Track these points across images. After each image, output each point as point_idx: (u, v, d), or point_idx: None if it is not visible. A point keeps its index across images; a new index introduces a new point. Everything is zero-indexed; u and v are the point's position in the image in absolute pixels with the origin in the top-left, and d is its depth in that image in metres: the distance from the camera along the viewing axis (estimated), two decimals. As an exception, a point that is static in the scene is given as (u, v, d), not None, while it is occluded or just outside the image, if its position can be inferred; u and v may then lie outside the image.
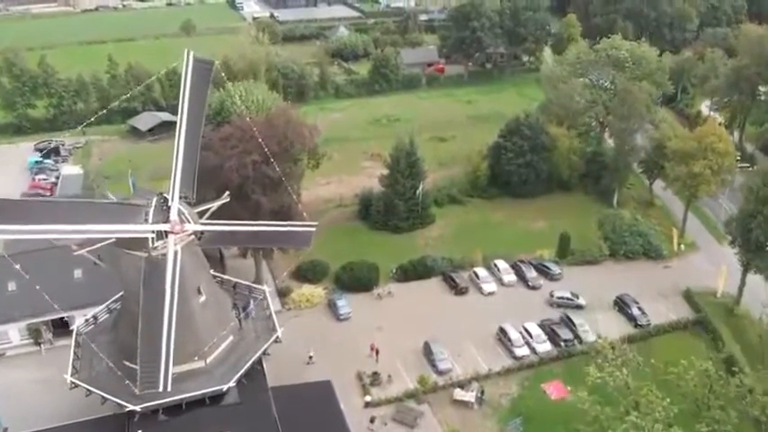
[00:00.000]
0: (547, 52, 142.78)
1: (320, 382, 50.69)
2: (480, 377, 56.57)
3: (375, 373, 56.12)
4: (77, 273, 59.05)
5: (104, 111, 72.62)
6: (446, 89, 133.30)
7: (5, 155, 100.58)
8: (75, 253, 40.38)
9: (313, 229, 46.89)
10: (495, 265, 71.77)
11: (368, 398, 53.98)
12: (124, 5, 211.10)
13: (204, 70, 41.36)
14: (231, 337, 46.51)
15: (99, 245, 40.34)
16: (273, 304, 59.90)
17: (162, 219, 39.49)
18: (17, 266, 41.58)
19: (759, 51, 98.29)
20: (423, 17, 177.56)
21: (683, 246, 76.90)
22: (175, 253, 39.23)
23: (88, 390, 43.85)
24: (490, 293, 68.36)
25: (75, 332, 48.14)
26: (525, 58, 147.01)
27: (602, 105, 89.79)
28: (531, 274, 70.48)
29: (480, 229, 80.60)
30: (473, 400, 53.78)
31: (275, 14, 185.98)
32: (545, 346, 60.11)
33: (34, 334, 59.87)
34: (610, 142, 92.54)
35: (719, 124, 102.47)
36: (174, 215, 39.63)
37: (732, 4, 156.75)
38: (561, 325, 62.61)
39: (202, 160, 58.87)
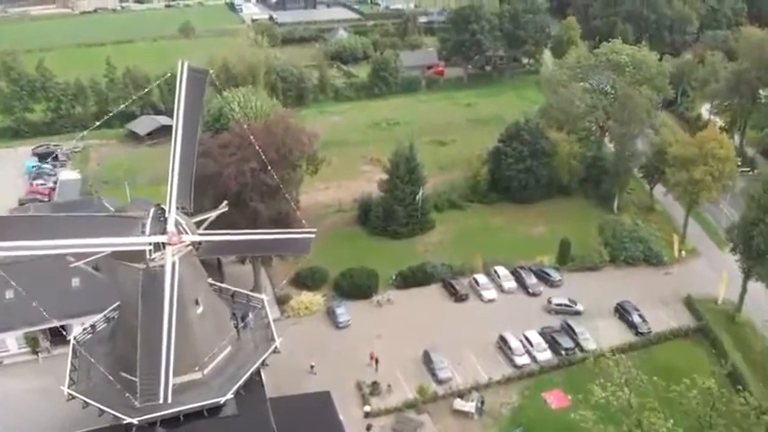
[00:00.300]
0: (546, 55, 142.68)
1: (319, 392, 50.25)
2: (480, 386, 56.16)
3: (374, 383, 55.70)
4: (75, 281, 58.76)
5: (105, 118, 71.92)
6: (446, 92, 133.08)
7: (3, 159, 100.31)
8: (72, 265, 40.09)
9: (312, 235, 46.54)
10: (495, 272, 71.42)
11: (367, 408, 53.58)
12: (123, 7, 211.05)
13: (199, 80, 40.94)
14: (229, 348, 46.09)
15: (96, 257, 40.05)
16: (272, 312, 59.63)
17: (159, 230, 39.09)
18: (13, 283, 40.89)
19: (759, 55, 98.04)
20: (422, 19, 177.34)
21: (683, 252, 76.53)
22: (173, 264, 38.87)
23: (85, 402, 43.43)
24: (490, 300, 68.02)
25: (72, 342, 47.63)
26: (525, 61, 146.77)
27: (602, 110, 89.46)
28: (532, 280, 70.15)
29: (480, 234, 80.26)
30: (473, 410, 53.36)
31: (274, 16, 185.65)
32: (545, 355, 59.73)
33: (32, 342, 59.52)
34: (610, 147, 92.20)
35: (720, 128, 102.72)
36: (171, 226, 39.23)
37: (732, 7, 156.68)
38: (562, 333, 62.23)
39: (201, 167, 58.72)
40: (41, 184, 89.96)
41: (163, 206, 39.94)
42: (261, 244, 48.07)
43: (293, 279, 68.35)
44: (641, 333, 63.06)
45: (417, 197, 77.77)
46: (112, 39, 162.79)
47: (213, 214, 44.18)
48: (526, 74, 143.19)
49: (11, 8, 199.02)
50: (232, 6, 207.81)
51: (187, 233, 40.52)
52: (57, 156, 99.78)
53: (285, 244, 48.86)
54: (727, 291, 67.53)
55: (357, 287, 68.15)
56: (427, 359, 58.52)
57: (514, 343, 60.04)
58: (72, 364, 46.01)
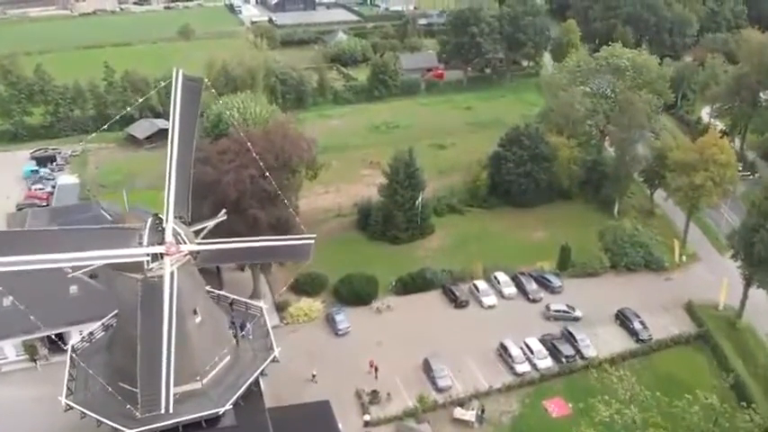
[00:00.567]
0: (546, 57, 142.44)
1: (318, 402, 49.98)
2: (480, 394, 55.83)
3: (374, 391, 55.35)
4: (73, 288, 58.47)
5: (107, 124, 71.64)
6: (445, 95, 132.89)
7: (1, 163, 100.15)
8: (70, 275, 39.81)
9: (311, 241, 46.08)
10: (496, 278, 71.16)
11: (367, 417, 53.28)
12: (122, 9, 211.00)
13: (194, 87, 40.62)
14: (228, 357, 45.78)
15: (93, 266, 39.74)
16: (271, 318, 59.49)
17: (157, 240, 38.81)
18: (11, 297, 40.63)
19: (760, 59, 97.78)
20: (422, 21, 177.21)
21: (684, 257, 76.28)
22: (172, 274, 38.59)
23: (83, 412, 43.12)
24: (490, 307, 67.70)
25: (69, 352, 47.31)
26: (525, 64, 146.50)
27: (602, 114, 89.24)
28: (532, 286, 69.85)
29: (480, 239, 79.99)
30: (473, 419, 53.06)
31: (273, 18, 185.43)
32: (546, 362, 59.42)
33: (30, 350, 59.19)
34: (610, 151, 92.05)
35: (720, 131, 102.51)
36: (168, 236, 38.94)
37: (732, 9, 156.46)
38: (562, 340, 61.94)
39: (200, 174, 58.58)
40: (40, 189, 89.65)
41: (161, 215, 39.70)
42: (260, 251, 47.61)
43: (292, 285, 68.01)
44: (642, 340, 62.77)
45: (417, 202, 77.50)
46: (111, 41, 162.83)
47: (211, 223, 43.86)
48: (526, 77, 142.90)
49: (10, 9, 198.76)
50: (231, 8, 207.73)
51: (185, 243, 40.22)
52: (55, 159, 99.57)
53: (285, 250, 48.42)
54: (727, 296, 67.28)
55: (356, 293, 67.83)
56: (427, 367, 58.21)
57: (515, 350, 59.75)
58: (70, 373, 45.73)
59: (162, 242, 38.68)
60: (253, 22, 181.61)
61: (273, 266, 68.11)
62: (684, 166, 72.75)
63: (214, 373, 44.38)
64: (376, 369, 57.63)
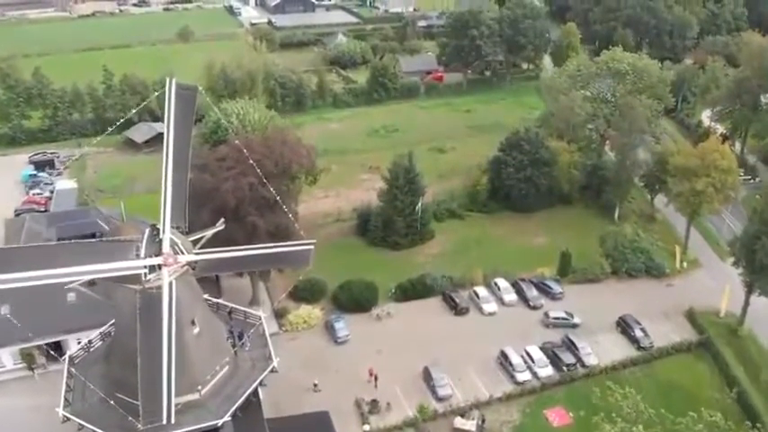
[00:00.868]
0: (546, 60, 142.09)
1: (317, 412, 49.75)
2: (481, 404, 55.50)
3: (374, 401, 54.95)
4: (71, 296, 57.91)
5: (109, 131, 71.16)
6: (445, 98, 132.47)
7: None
8: (67, 287, 39.41)
9: (311, 247, 45.65)
10: (496, 284, 70.81)
11: (366, 427, 52.91)
12: (121, 11, 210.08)
13: (188, 96, 40.18)
14: (226, 368, 45.40)
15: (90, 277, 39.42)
16: (270, 326, 59.19)
17: (154, 251, 38.47)
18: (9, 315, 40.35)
19: (760, 62, 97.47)
20: (421, 23, 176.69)
21: (685, 263, 75.96)
22: (170, 285, 38.25)
23: (81, 424, 42.75)
24: (491, 314, 67.38)
25: (67, 362, 46.94)
26: (525, 66, 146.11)
27: (603, 118, 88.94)
28: (532, 293, 69.52)
29: (480, 244, 79.68)
30: (474, 428, 52.71)
31: (273, 20, 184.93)
32: (547, 371, 59.11)
33: (27, 358, 58.78)
34: (611, 155, 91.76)
35: (720, 135, 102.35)
36: (166, 247, 38.59)
37: (732, 12, 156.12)
38: (563, 348, 61.63)
39: (199, 182, 58.31)
40: (38, 194, 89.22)
41: (158, 226, 39.34)
42: (259, 258, 47.05)
43: (291, 292, 67.44)
44: (643, 348, 62.48)
45: (417, 208, 77.14)
46: (110, 43, 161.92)
47: (209, 232, 43.42)
48: (526, 79, 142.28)
49: (8, 11, 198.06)
50: (231, 10, 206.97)
51: (183, 253, 39.88)
52: (53, 164, 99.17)
53: (284, 257, 47.73)
54: (728, 303, 66.93)
55: (356, 300, 67.50)
56: (427, 376, 57.87)
57: (515, 359, 59.41)
58: (67, 384, 45.37)
59: (159, 253, 38.39)
60: (252, 24, 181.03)
61: (273, 273, 67.67)
62: (686, 171, 72.48)
63: (212, 383, 43.96)
64: (376, 378, 57.27)
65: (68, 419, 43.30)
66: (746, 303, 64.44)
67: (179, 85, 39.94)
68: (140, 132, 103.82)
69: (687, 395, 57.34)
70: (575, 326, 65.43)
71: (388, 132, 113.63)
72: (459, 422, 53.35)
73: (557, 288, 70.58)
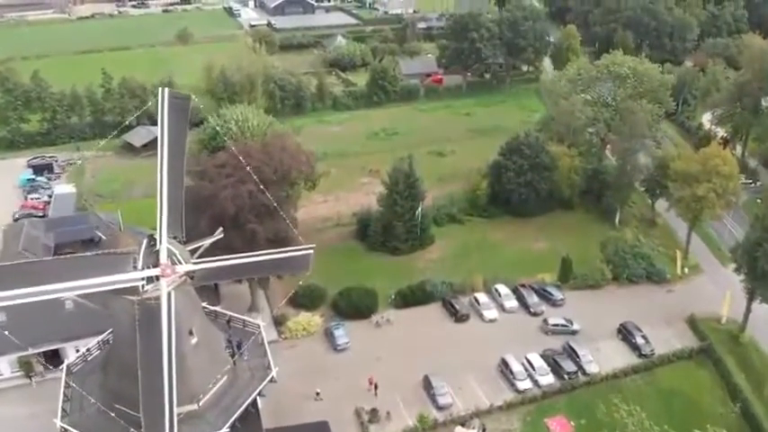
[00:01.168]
0: (546, 62, 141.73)
1: (317, 423, 49.39)
2: (481, 413, 55.08)
3: (374, 410, 54.51)
4: (69, 304, 57.59)
5: (111, 135, 70.75)
6: (445, 101, 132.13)
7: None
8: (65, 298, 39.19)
9: (310, 252, 45.33)
10: (496, 290, 70.47)
11: (366, 436, 52.65)
12: (120, 12, 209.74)
13: (181, 106, 39.88)
14: (225, 377, 45.07)
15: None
16: (269, 333, 58.90)
17: (152, 262, 38.15)
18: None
19: (761, 66, 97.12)
20: (421, 25, 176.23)
21: (686, 268, 75.60)
22: (169, 295, 37.92)
23: (78, 435, 42.45)
24: (491, 320, 67.02)
25: (64, 372, 46.61)
26: (525, 68, 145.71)
27: (603, 123, 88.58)
28: (533, 299, 69.13)
29: (480, 250, 79.32)
30: (474, 438, 52.47)
31: (272, 22, 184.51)
32: (548, 379, 58.74)
33: (25, 366, 58.42)
34: (611, 159, 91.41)
35: (721, 137, 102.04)
36: (163, 258, 38.27)
37: (732, 14, 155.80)
38: (564, 356, 61.22)
39: (198, 189, 57.99)
40: (36, 198, 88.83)
41: (155, 236, 39.00)
42: (259, 265, 46.74)
43: (291, 298, 66.68)
44: (644, 355, 62.11)
45: (417, 213, 76.75)
46: (109, 45, 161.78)
47: (207, 242, 43.09)
48: (526, 81, 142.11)
49: (8, 13, 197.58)
50: (230, 11, 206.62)
51: (181, 263, 39.56)
52: (52, 167, 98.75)
53: (283, 263, 47.24)
54: (730, 309, 66.58)
55: (355, 307, 67.13)
56: (427, 384, 57.47)
57: (516, 367, 59.02)
58: (65, 394, 45.05)
59: (157, 264, 38.05)
60: (252, 26, 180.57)
61: (272, 279, 67.24)
62: (687, 177, 72.09)
63: (211, 394, 43.64)
64: (375, 386, 56.88)
65: (66, 431, 43.07)
66: (748, 310, 64.12)
67: (172, 94, 39.65)
68: (139, 136, 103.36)
69: (689, 403, 57.13)
70: (574, 332, 65.08)
71: (387, 135, 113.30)
72: (459, 431, 52.93)
73: (557, 294, 70.21)
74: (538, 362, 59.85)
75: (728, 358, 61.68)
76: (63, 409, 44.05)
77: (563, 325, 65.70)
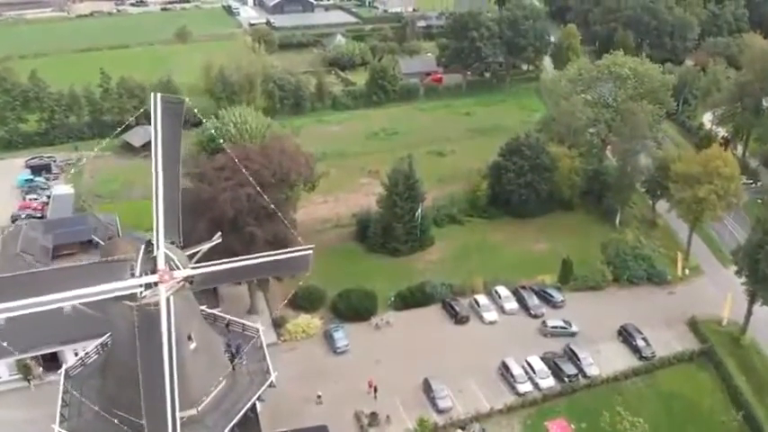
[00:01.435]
0: (547, 62, 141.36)
1: (316, 427, 49.14)
2: (481, 416, 54.86)
3: (373, 413, 54.28)
4: (67, 308, 57.13)
5: (112, 135, 70.21)
6: (444, 100, 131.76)
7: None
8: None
9: (309, 252, 45.09)
10: (496, 292, 70.17)
11: (366, 440, 52.43)
12: (119, 11, 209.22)
13: (175, 109, 39.56)
14: (224, 382, 44.85)
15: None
16: (268, 336, 58.59)
17: (149, 268, 37.91)
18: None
19: (762, 66, 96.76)
20: (421, 23, 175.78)
21: (687, 270, 75.35)
22: (167, 301, 37.70)
23: (76, 441, 42.24)
24: (491, 322, 66.73)
25: (62, 376, 46.37)
26: (525, 67, 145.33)
27: (604, 123, 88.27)
28: (533, 301, 68.87)
29: (480, 251, 79.02)
30: (474, 442, 52.25)
31: (271, 20, 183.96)
32: (548, 382, 58.48)
33: (24, 370, 58.16)
34: (612, 160, 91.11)
35: (722, 137, 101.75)
36: (161, 264, 38.03)
37: (733, 13, 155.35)
38: (565, 358, 60.98)
39: (197, 192, 57.71)
40: (34, 199, 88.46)
41: (153, 242, 38.74)
42: (258, 267, 46.56)
43: (290, 300, 66.52)
44: (645, 357, 61.87)
45: (417, 214, 76.47)
46: (108, 43, 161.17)
47: (205, 246, 42.90)
48: (526, 80, 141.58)
49: (6, 11, 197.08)
50: (229, 10, 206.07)
51: (179, 268, 39.32)
52: (50, 168, 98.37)
53: (283, 264, 46.95)
54: (730, 311, 66.34)
55: (355, 309, 66.84)
56: (427, 387, 57.21)
57: (517, 370, 58.79)
58: (63, 399, 44.82)
59: (155, 270, 37.82)
60: (251, 25, 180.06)
61: (271, 281, 66.98)
62: (688, 178, 71.85)
63: (210, 399, 43.47)
64: (375, 389, 56.65)
65: (64, 436, 42.88)
66: (749, 312, 63.89)
67: (165, 98, 39.36)
68: (138, 136, 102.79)
69: (689, 406, 57.05)
70: (573, 334, 64.83)
71: (387, 135, 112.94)
72: (459, 436, 52.87)
73: (558, 296, 69.98)
74: (538, 365, 59.60)
75: (729, 361, 61.49)
76: (61, 415, 43.88)
77: (562, 327, 65.49)
